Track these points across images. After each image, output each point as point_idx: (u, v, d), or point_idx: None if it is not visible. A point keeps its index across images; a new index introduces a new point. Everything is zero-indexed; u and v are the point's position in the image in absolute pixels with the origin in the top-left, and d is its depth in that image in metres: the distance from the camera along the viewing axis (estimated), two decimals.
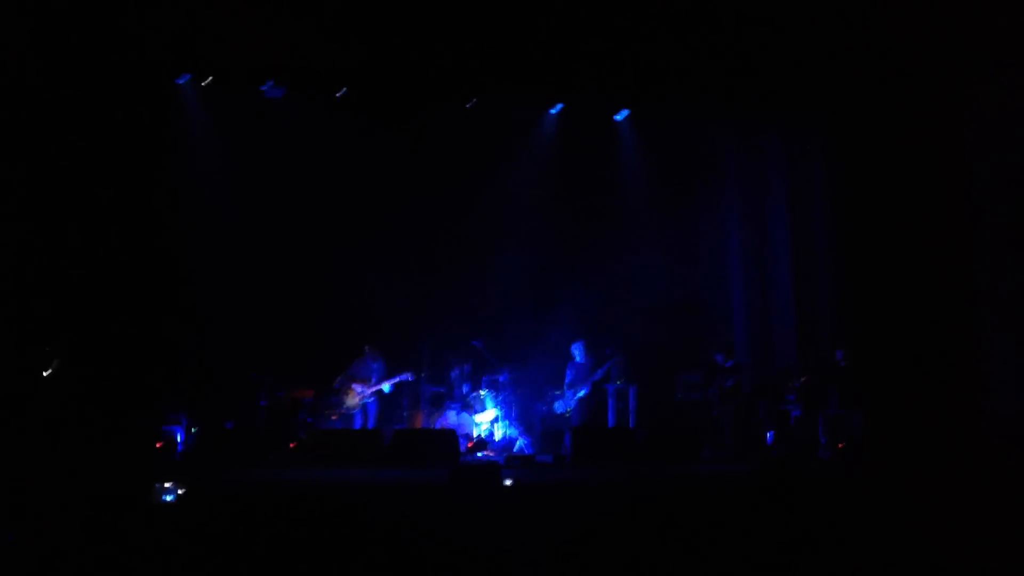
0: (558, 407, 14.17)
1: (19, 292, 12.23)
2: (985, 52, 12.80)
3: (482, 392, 14.10)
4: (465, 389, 14.20)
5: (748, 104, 14.78)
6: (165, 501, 7.25)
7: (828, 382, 13.99)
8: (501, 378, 14.13)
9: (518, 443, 13.65)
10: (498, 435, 13.98)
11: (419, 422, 13.68)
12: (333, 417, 13.57)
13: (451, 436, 12.48)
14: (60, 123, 12.69)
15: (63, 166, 12.78)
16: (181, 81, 14.01)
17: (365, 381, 13.46)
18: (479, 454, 13.10)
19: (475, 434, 13.61)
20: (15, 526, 6.74)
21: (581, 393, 14.01)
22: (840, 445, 12.90)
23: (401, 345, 13.72)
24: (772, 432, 13.68)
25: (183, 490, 7.29)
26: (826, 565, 7.52)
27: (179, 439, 12.30)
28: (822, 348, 15.10)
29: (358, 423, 13.47)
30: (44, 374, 11.43)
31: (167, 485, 7.29)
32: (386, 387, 13.51)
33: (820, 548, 7.75)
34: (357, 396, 13.36)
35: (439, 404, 13.89)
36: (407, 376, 13.48)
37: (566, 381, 14.17)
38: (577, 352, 14.26)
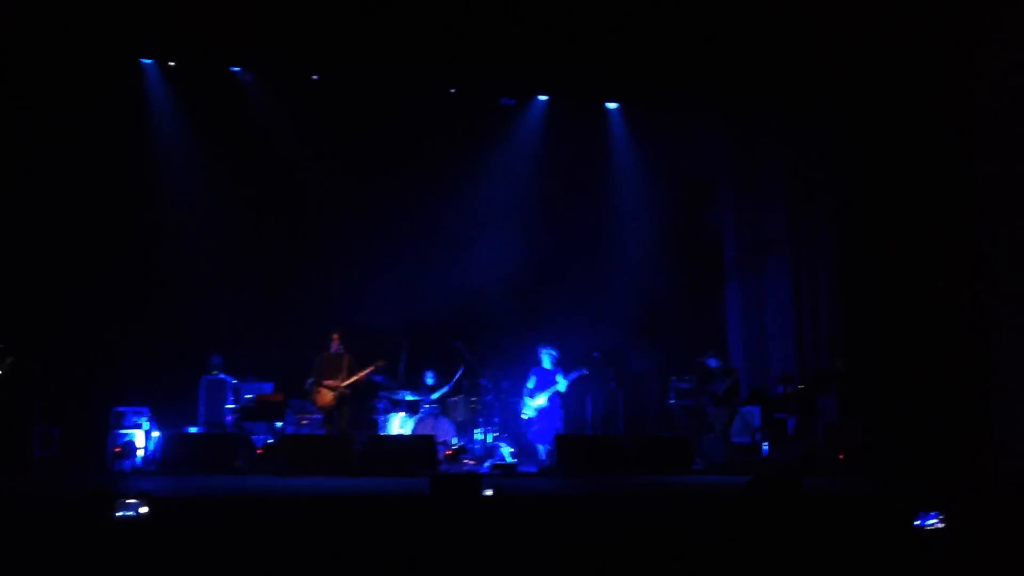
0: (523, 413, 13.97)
1: None
2: (990, 46, 12.84)
3: (461, 396, 14.02)
4: (443, 393, 14.09)
5: (745, 97, 14.77)
6: (126, 516, 7.05)
7: (828, 390, 13.97)
8: (483, 381, 14.03)
9: (500, 450, 13.59)
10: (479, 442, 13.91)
11: (395, 428, 13.59)
12: (304, 422, 13.44)
13: (428, 443, 12.39)
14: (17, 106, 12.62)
15: (21, 152, 12.71)
16: (146, 62, 13.93)
17: (335, 377, 13.26)
18: (458, 462, 13.05)
19: (454, 441, 13.54)
20: None
21: (542, 403, 13.52)
22: (840, 456, 12.89)
23: (376, 347, 13.61)
24: (768, 441, 13.68)
25: (145, 507, 7.11)
26: None
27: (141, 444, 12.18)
28: (822, 354, 15.11)
29: (329, 428, 13.35)
30: None
31: (129, 501, 7.11)
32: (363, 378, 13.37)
33: (819, 565, 7.74)
34: (330, 394, 13.14)
35: (415, 409, 13.79)
36: (380, 365, 13.26)
37: (527, 386, 13.70)
38: (546, 358, 13.68)
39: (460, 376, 14.07)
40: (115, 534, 7.00)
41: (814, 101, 14.56)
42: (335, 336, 13.25)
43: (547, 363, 13.66)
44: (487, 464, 12.84)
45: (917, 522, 8.24)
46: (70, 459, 12.06)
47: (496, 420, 14.00)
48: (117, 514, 7.08)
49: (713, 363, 13.90)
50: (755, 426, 13.72)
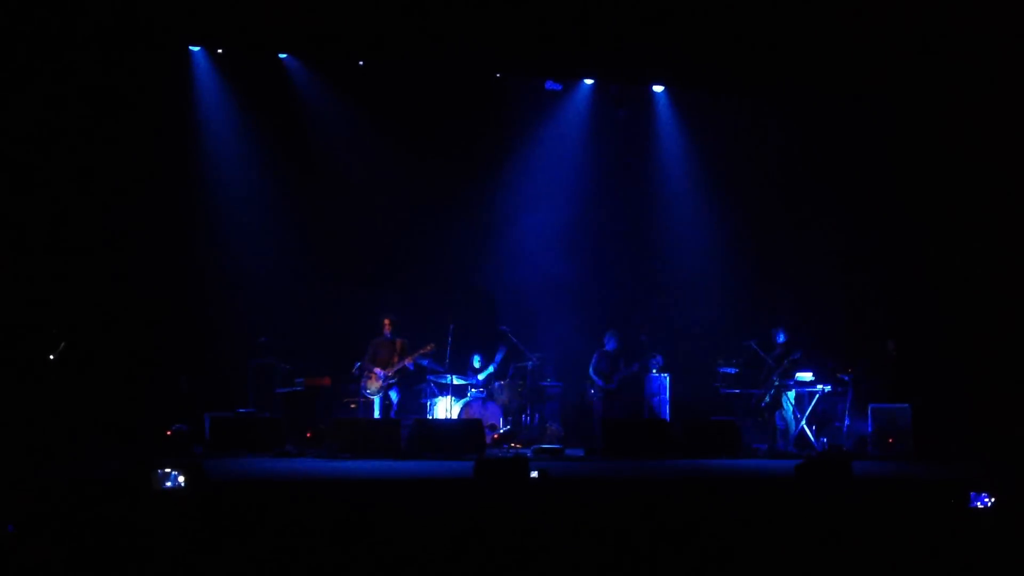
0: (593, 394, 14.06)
1: (28, 273, 12.30)
2: None
3: (507, 380, 14.02)
4: (491, 377, 14.10)
5: (793, 77, 14.58)
6: (166, 488, 6.98)
7: (878, 373, 13.78)
8: (529, 366, 14.03)
9: (547, 433, 13.57)
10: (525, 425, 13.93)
11: (441, 412, 13.61)
12: (352, 405, 13.50)
13: (476, 426, 12.41)
14: (67, 95, 12.71)
15: (71, 142, 12.82)
16: (194, 49, 14.03)
17: (385, 363, 13.32)
18: (505, 445, 13.06)
19: (500, 425, 13.55)
20: (15, 516, 6.70)
21: (610, 386, 13.83)
22: (890, 440, 12.75)
23: (424, 331, 13.63)
24: (816, 425, 13.53)
25: (184, 477, 7.04)
26: (875, 567, 7.41)
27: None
28: (872, 336, 14.89)
29: (378, 411, 13.40)
30: (50, 357, 11.46)
31: (167, 471, 7.03)
32: (410, 365, 13.39)
33: (867, 550, 7.64)
34: (379, 380, 13.23)
35: (463, 393, 13.80)
36: (430, 348, 13.35)
37: (591, 365, 13.91)
38: (609, 341, 14.00)
39: (506, 359, 14.07)
40: (156, 510, 6.96)
41: (867, 78, 14.32)
42: (387, 321, 13.34)
43: (610, 346, 13.94)
44: (533, 447, 12.82)
45: (970, 504, 8.14)
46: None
47: (542, 403, 14.01)
48: (157, 485, 7.02)
49: (781, 337, 13.73)
50: (804, 410, 13.54)
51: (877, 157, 15.36)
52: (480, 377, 13.96)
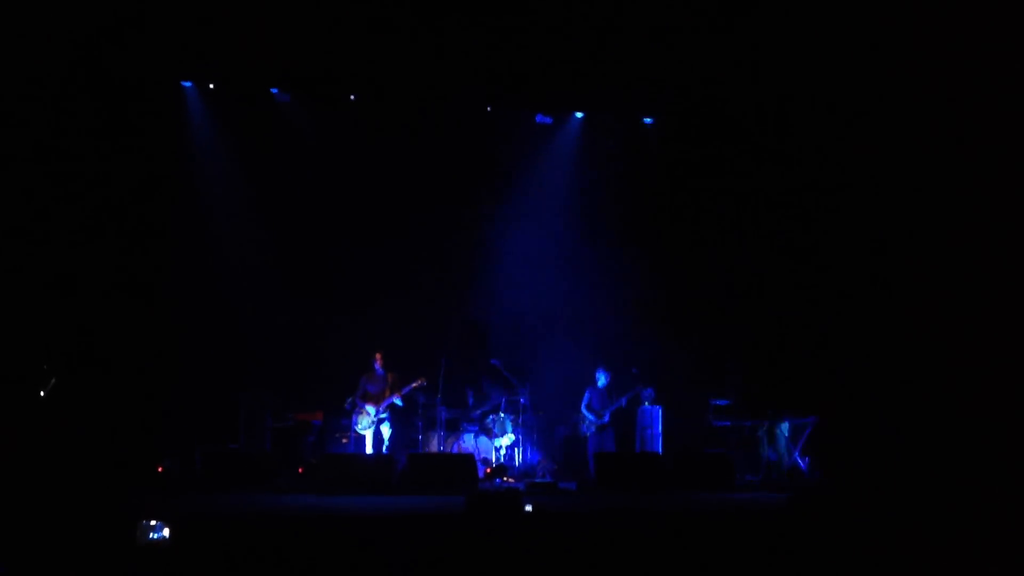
0: (585, 429, 14.08)
1: (18, 305, 12.29)
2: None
3: (501, 415, 14.02)
4: (483, 411, 14.10)
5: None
6: (152, 540, 6.86)
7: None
8: (521, 400, 14.04)
9: (539, 468, 13.56)
10: (518, 460, 13.91)
11: (434, 446, 13.60)
12: (344, 440, 13.49)
13: (468, 461, 12.40)
14: (62, 128, 12.76)
15: (63, 174, 12.85)
16: (186, 85, 14.12)
17: (377, 398, 13.34)
18: (498, 480, 13.04)
19: (494, 459, 13.54)
20: (7, 558, 6.66)
21: (602, 420, 13.94)
22: None
23: (415, 365, 13.64)
24: (809, 457, 13.55)
25: (169, 529, 6.91)
26: None
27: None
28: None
29: (370, 446, 13.39)
30: (40, 394, 11.45)
31: (153, 523, 6.92)
32: (398, 401, 13.43)
33: None
34: (370, 415, 13.26)
35: (455, 427, 13.80)
36: (421, 383, 13.38)
37: (583, 402, 14.06)
38: (600, 377, 14.12)
39: (499, 395, 14.09)
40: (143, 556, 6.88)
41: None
42: (378, 355, 13.38)
43: (601, 382, 14.02)
44: (526, 482, 12.81)
45: None
46: None
47: (535, 437, 14.01)
48: (140, 537, 6.92)
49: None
50: (798, 441, 13.57)
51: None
52: (473, 415, 13.98)
